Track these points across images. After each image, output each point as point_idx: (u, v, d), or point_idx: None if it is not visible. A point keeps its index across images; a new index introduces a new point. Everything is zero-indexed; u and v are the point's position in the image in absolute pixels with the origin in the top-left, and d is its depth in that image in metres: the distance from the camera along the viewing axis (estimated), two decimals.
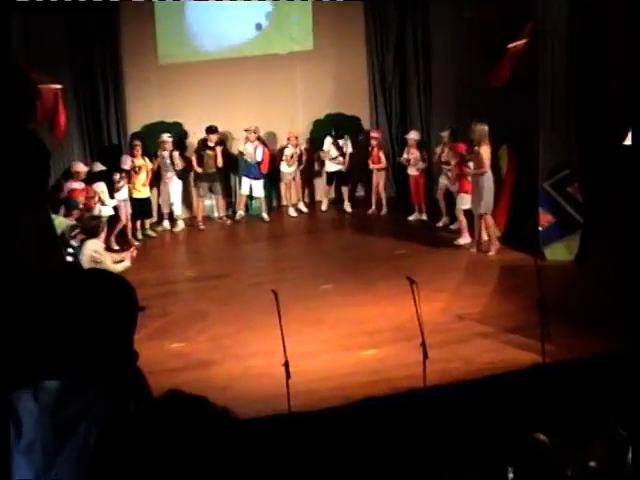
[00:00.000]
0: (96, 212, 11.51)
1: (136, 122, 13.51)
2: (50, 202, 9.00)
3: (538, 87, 10.35)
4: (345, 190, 13.98)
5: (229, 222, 13.63)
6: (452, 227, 12.17)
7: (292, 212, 13.84)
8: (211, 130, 13.17)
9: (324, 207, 14.00)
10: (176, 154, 13.06)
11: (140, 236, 12.83)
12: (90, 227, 9.74)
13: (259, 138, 13.48)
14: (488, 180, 10.76)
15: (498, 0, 10.98)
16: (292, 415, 6.62)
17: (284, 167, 13.73)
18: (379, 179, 13.49)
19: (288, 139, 13.62)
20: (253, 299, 9.45)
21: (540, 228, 10.47)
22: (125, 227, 12.49)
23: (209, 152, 13.14)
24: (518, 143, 11.27)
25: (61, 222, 9.61)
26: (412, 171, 12.92)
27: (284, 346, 6.66)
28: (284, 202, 14.13)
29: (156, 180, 13.17)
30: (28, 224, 3.54)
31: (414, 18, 13.83)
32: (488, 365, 7.50)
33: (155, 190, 13.30)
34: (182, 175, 13.39)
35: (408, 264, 10.29)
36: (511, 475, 4.22)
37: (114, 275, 2.61)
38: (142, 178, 12.71)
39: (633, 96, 7.12)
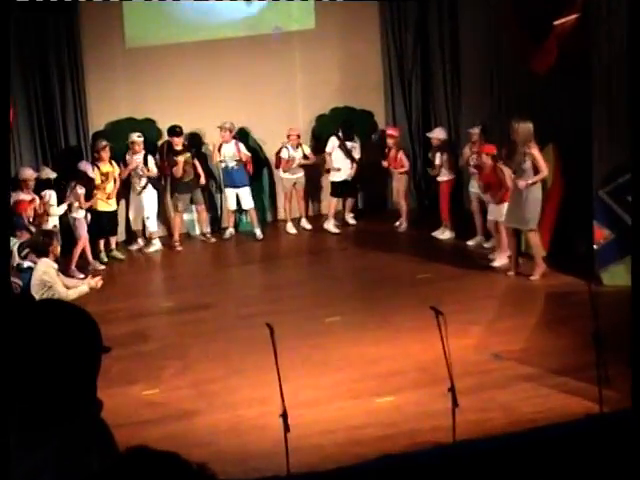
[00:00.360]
0: (49, 226, 11.52)
1: (99, 119, 13.57)
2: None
3: (591, 73, 10.38)
4: (350, 200, 14.00)
5: (213, 240, 13.67)
6: (486, 245, 12.19)
7: (291, 228, 13.77)
8: (175, 132, 13.18)
9: (329, 226, 13.60)
10: (151, 158, 13.11)
11: (105, 258, 12.82)
12: (39, 244, 9.75)
13: (235, 137, 13.43)
14: (536, 188, 10.77)
15: None
16: (291, 477, 6.62)
17: (282, 172, 13.72)
18: (400, 185, 13.48)
19: (288, 137, 13.52)
20: (243, 335, 9.45)
21: (595, 246, 10.47)
22: (84, 249, 12.41)
23: (179, 157, 13.15)
24: (566, 142, 11.28)
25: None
26: (442, 177, 12.96)
27: (282, 393, 6.66)
28: (281, 215, 14.14)
29: (124, 189, 13.21)
30: None
31: None
32: (531, 415, 7.49)
33: (123, 202, 13.35)
34: (157, 184, 13.45)
35: (433, 291, 10.31)
36: None
37: (70, 307, 2.59)
38: (109, 188, 12.74)
39: None
